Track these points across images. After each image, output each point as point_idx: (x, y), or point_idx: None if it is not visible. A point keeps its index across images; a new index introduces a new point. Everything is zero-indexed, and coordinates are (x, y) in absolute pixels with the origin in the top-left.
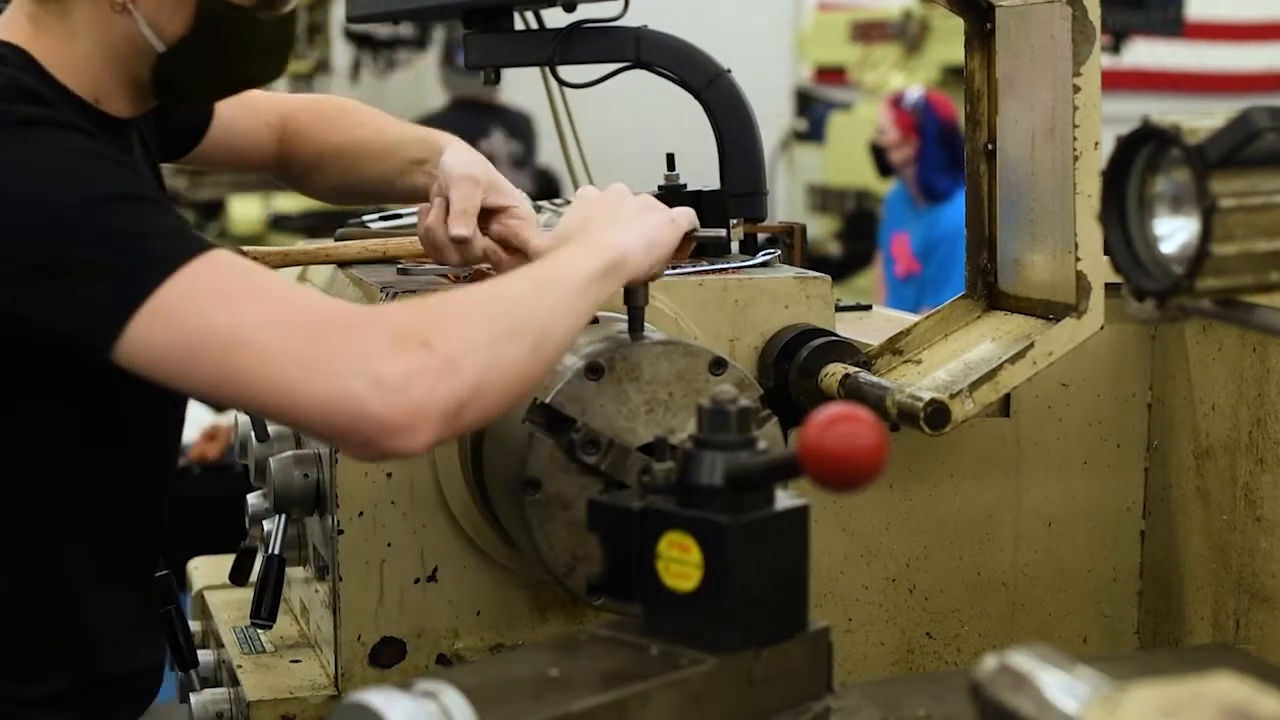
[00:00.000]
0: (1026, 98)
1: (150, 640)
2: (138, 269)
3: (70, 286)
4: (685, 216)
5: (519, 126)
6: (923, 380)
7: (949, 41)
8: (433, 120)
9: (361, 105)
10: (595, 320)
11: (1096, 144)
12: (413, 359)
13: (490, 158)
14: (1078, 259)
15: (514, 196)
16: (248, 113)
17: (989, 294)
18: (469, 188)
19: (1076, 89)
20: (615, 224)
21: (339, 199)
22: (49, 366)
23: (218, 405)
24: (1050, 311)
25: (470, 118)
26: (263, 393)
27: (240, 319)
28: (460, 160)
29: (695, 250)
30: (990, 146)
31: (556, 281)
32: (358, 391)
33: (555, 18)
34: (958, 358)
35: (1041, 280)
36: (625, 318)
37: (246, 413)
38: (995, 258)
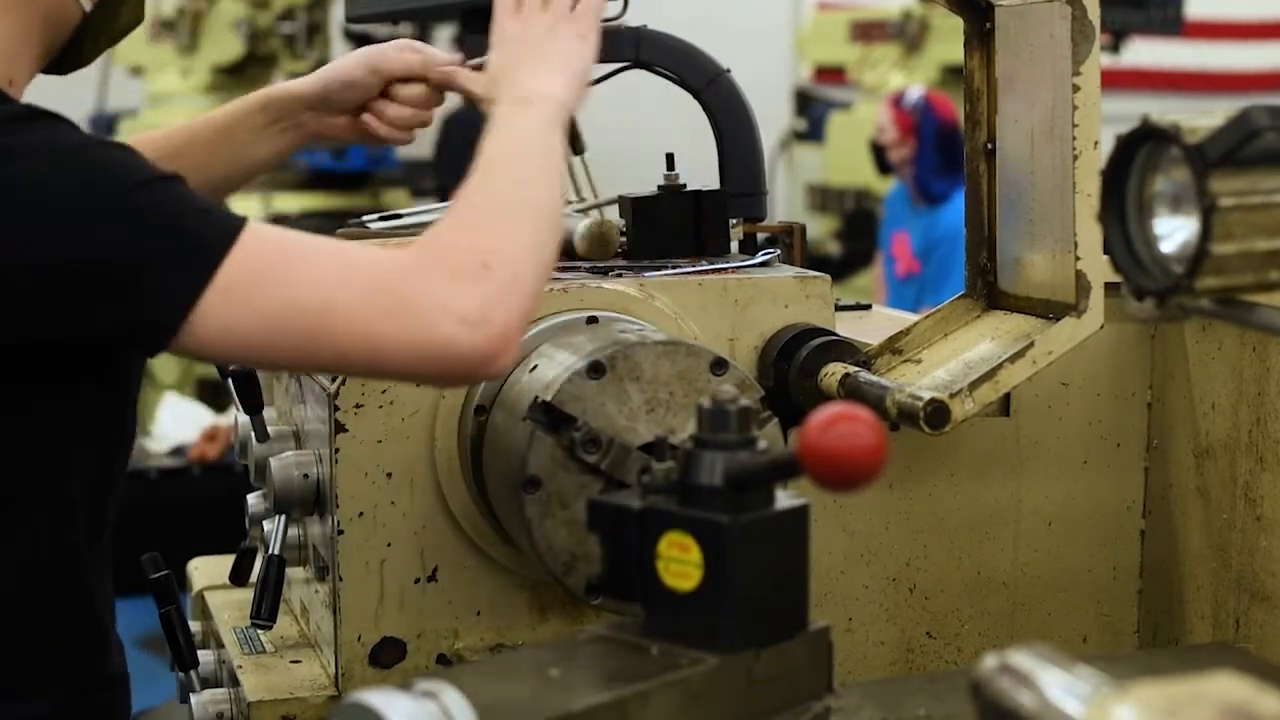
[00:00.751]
0: (1026, 97)
1: (117, 638)
2: (196, 250)
3: (128, 279)
4: (590, 11)
5: None
6: (922, 380)
7: (948, 41)
8: (465, 114)
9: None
10: (595, 320)
11: (1096, 143)
12: (482, 287)
13: None
14: (1077, 258)
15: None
16: None
17: (989, 293)
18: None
19: (1076, 88)
20: (542, 67)
21: None
22: (70, 364)
23: (293, 371)
24: (1050, 311)
25: None
26: (353, 350)
27: (316, 282)
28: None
29: (695, 249)
30: (990, 146)
31: (533, 151)
32: (447, 332)
33: None
34: (957, 357)
35: (1041, 280)
36: (627, 318)
37: (333, 372)
38: (995, 257)
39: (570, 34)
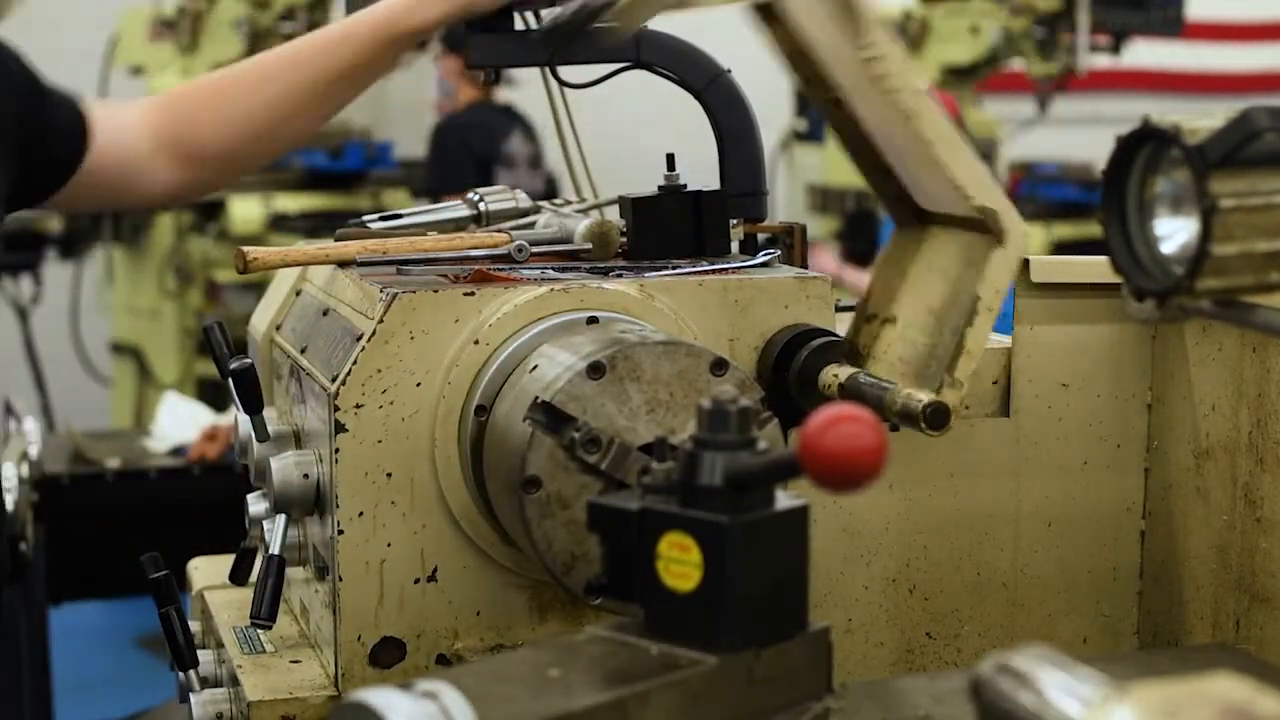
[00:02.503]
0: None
1: None
2: None
3: None
4: None
5: (531, 130)
6: (903, 346)
7: (949, 41)
8: (458, 120)
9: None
10: (595, 320)
11: (921, 92)
12: None
13: (510, 158)
14: (969, 198)
15: None
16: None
17: (919, 215)
18: None
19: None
20: None
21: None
22: None
23: None
24: (979, 226)
25: (493, 118)
26: None
27: None
28: None
29: (695, 249)
30: (833, 97)
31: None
32: None
33: None
34: (923, 307)
35: (954, 202)
36: (627, 318)
37: None
38: (902, 184)
39: None
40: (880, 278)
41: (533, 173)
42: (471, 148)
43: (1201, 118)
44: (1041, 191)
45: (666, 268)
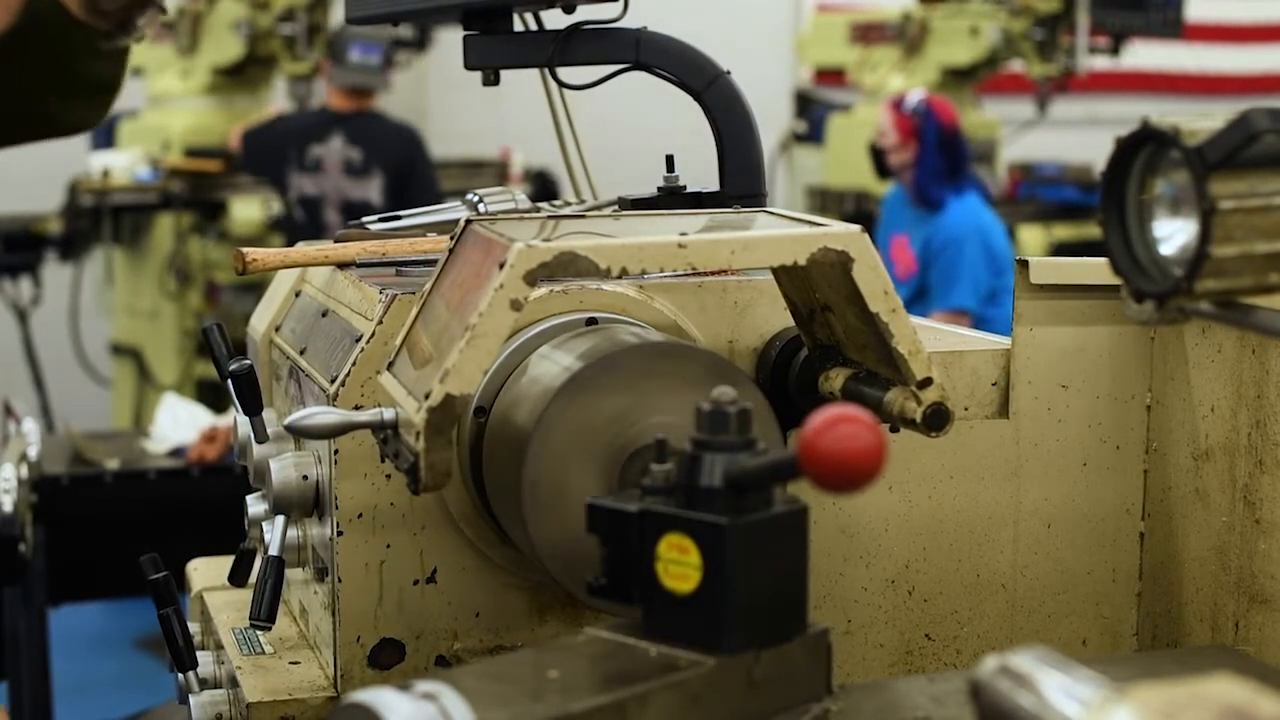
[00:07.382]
0: None
1: None
2: None
3: None
4: None
5: (364, 134)
6: (854, 323)
7: (948, 43)
8: (254, 129)
9: None
10: (594, 322)
11: None
12: None
13: (318, 161)
14: None
15: None
16: None
17: None
18: None
19: None
20: None
21: None
22: None
23: None
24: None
25: (303, 123)
26: None
27: None
28: None
29: None
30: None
31: None
32: None
33: (555, 19)
34: (838, 297)
35: None
36: (626, 319)
37: None
38: None
39: None
40: (786, 283)
41: (347, 178)
42: (252, 158)
43: (1201, 119)
44: (1041, 193)
45: (666, 269)
